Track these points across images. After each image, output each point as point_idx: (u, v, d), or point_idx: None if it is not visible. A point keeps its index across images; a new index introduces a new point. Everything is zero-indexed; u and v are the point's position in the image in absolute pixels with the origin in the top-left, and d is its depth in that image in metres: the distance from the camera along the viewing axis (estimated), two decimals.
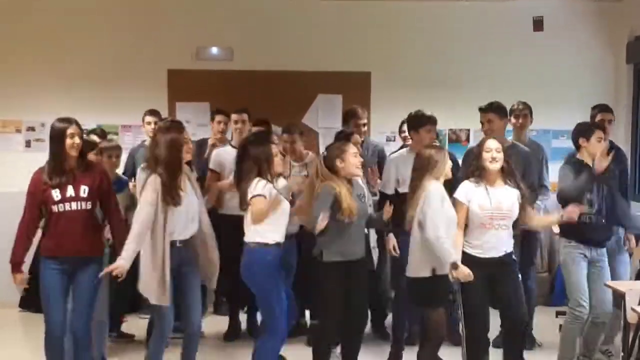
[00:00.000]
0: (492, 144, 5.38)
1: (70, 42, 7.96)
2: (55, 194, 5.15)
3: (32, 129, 8.03)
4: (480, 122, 6.28)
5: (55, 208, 5.16)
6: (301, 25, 8.11)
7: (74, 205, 5.17)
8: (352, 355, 5.56)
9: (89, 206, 5.22)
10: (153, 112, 7.07)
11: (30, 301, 7.39)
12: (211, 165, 6.66)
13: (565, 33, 8.21)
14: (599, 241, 5.76)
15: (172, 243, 5.20)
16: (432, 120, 6.10)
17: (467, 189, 5.36)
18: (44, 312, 5.29)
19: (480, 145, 5.45)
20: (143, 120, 7.09)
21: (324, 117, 8.14)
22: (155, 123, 6.91)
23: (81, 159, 5.26)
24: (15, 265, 5.21)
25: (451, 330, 6.52)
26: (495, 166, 5.33)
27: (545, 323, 6.53)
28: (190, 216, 5.29)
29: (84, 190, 5.19)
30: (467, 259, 5.27)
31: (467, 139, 8.16)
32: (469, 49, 8.18)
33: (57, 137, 5.19)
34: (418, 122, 6.12)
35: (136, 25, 8.02)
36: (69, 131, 5.16)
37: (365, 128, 6.82)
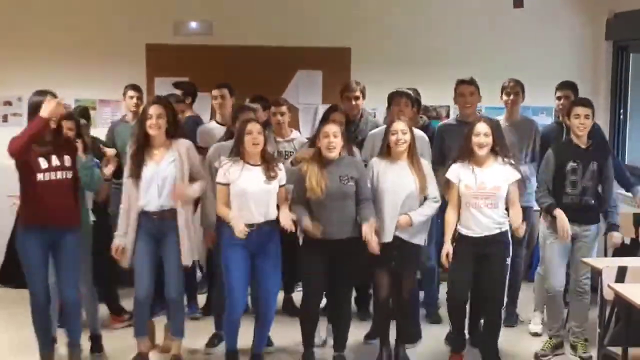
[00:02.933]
0: (482, 127, 5.46)
1: (47, 15, 7.87)
2: (43, 163, 5.19)
3: (8, 103, 7.96)
4: (460, 93, 6.31)
5: (40, 176, 5.19)
6: (281, 0, 8.04)
7: (59, 175, 5.23)
8: (340, 333, 5.65)
9: (70, 175, 5.29)
10: (134, 87, 7.01)
11: (10, 276, 7.34)
12: (199, 142, 6.58)
13: (545, 10, 8.20)
14: (584, 221, 5.83)
15: (145, 213, 5.37)
16: (399, 94, 6.16)
17: (456, 169, 5.49)
18: (27, 282, 5.35)
19: (470, 126, 5.53)
20: (124, 94, 7.02)
21: (304, 94, 8.12)
22: (138, 98, 6.89)
23: (58, 131, 5.32)
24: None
25: (428, 307, 6.62)
26: (482, 152, 5.43)
27: (524, 298, 6.57)
28: (160, 189, 5.37)
29: (68, 160, 5.27)
30: (460, 237, 5.49)
31: (447, 115, 8.16)
32: (448, 26, 8.17)
33: (33, 110, 5.21)
34: (389, 99, 6.25)
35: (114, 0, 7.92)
36: (55, 99, 5.18)
37: (359, 102, 6.67)
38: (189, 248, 5.43)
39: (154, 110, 5.37)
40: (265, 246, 5.38)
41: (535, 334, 6.35)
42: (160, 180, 5.37)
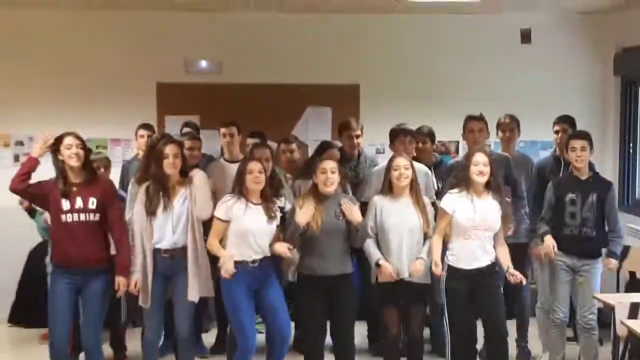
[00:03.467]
0: (480, 157, 5.47)
1: (59, 55, 7.93)
2: (65, 204, 5.24)
3: (20, 143, 8.00)
4: (470, 129, 6.31)
5: (63, 217, 5.24)
6: (290, 38, 8.11)
7: (82, 217, 5.26)
8: None
9: (97, 218, 5.31)
10: (146, 126, 7.08)
11: (20, 316, 7.36)
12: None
13: (552, 45, 8.24)
14: (585, 253, 5.81)
15: (157, 251, 5.41)
16: (404, 132, 6.23)
17: (451, 199, 5.47)
18: (50, 324, 5.37)
19: (468, 158, 5.52)
20: (136, 133, 7.08)
21: (314, 130, 8.14)
22: (149, 136, 6.95)
23: (86, 170, 5.35)
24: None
25: (437, 342, 6.59)
26: (482, 179, 5.42)
27: (535, 334, 6.52)
28: (174, 226, 5.41)
29: (92, 202, 5.28)
30: (451, 271, 5.45)
31: (457, 151, 8.17)
32: (457, 62, 8.20)
33: (54, 148, 5.32)
34: (392, 135, 6.35)
35: (125, 39, 8.00)
36: (65, 142, 5.27)
37: (359, 140, 6.77)
38: (196, 284, 5.44)
39: (170, 149, 5.43)
40: (267, 279, 5.42)
41: None
42: (175, 218, 5.42)
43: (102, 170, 6.34)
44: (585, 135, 5.93)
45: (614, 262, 5.88)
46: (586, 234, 5.80)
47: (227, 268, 5.24)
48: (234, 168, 6.55)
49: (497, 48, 8.21)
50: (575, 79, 8.30)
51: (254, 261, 5.34)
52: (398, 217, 5.51)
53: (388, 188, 5.58)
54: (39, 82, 7.90)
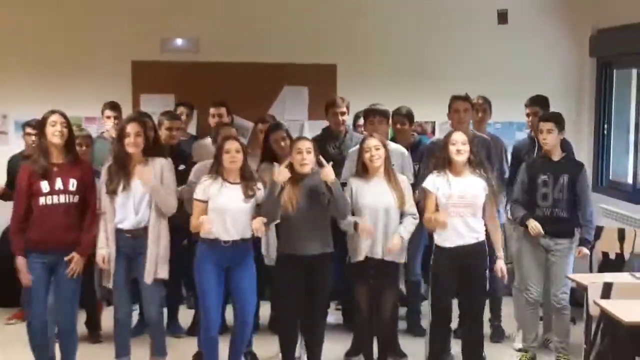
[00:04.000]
0: (458, 136, 5.48)
1: (33, 33, 7.84)
2: (44, 186, 5.18)
3: None
4: (455, 109, 6.26)
5: (42, 200, 5.19)
6: (267, 16, 8.07)
7: (62, 199, 5.21)
8: (314, 348, 5.62)
9: (76, 200, 5.27)
10: (113, 106, 7.03)
11: (2, 298, 7.28)
12: (194, 157, 6.58)
13: (529, 26, 8.26)
14: (557, 233, 5.86)
15: (119, 231, 5.40)
16: (373, 112, 6.25)
17: (433, 179, 5.48)
18: (27, 306, 5.39)
19: (447, 137, 5.54)
20: (102, 113, 7.04)
21: (291, 109, 8.12)
22: (116, 118, 6.91)
23: (68, 151, 5.29)
24: (18, 252, 5.24)
25: (413, 320, 6.63)
26: (461, 158, 5.43)
27: (510, 313, 6.57)
28: (136, 207, 5.40)
29: (72, 184, 5.24)
30: (438, 251, 5.49)
31: (433, 132, 8.19)
32: (434, 42, 8.20)
33: (39, 127, 5.29)
34: (364, 115, 6.40)
35: (100, 16, 7.91)
36: (50, 119, 5.22)
37: (345, 117, 6.77)
38: (154, 265, 5.42)
39: (131, 128, 5.38)
40: (240, 261, 5.39)
41: (520, 350, 6.35)
42: (137, 198, 5.40)
43: (84, 147, 6.29)
44: (552, 117, 5.95)
45: (585, 251, 5.92)
46: (558, 215, 5.84)
47: (208, 223, 5.23)
48: None
49: (474, 28, 8.21)
50: (551, 60, 8.33)
51: (226, 241, 5.32)
52: (372, 197, 5.52)
53: (362, 169, 5.60)
54: (12, 60, 7.83)
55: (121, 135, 5.41)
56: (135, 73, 7.99)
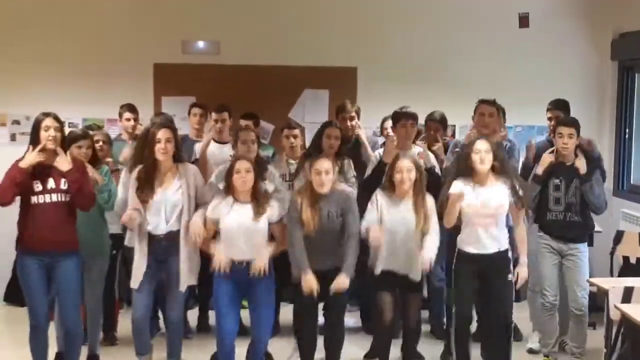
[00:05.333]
0: (482, 145, 5.44)
1: (57, 35, 7.90)
2: (36, 185, 5.18)
3: (17, 122, 7.97)
4: (481, 112, 6.16)
5: (34, 199, 5.18)
6: (288, 19, 8.09)
7: (54, 197, 5.21)
8: (332, 354, 5.64)
9: (68, 198, 5.25)
10: (131, 108, 7.09)
11: (15, 295, 7.37)
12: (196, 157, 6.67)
13: (550, 30, 8.24)
14: (571, 238, 5.85)
15: (153, 236, 5.39)
16: (406, 115, 6.17)
17: (459, 186, 5.44)
18: (27, 305, 5.35)
19: (470, 146, 5.50)
20: (120, 115, 7.11)
21: (311, 112, 8.13)
22: (135, 120, 6.97)
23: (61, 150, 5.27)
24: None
25: (435, 324, 6.63)
26: (484, 167, 5.40)
27: (524, 316, 6.58)
28: (168, 216, 5.40)
29: (64, 183, 5.22)
30: (460, 254, 5.49)
31: (453, 135, 8.17)
32: (455, 46, 8.19)
33: (33, 129, 5.26)
34: (394, 118, 6.28)
35: (123, 19, 7.97)
36: (44, 123, 5.21)
37: (354, 122, 6.78)
38: (187, 273, 5.44)
39: (162, 134, 5.37)
40: (255, 285, 5.36)
41: (531, 350, 6.36)
42: (169, 206, 5.41)
43: (101, 144, 6.33)
44: (574, 122, 5.91)
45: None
46: (571, 219, 5.84)
47: (222, 264, 5.28)
48: (224, 149, 6.66)
49: (495, 32, 8.20)
50: (573, 63, 8.31)
51: (240, 262, 5.33)
52: (396, 216, 5.51)
53: (389, 186, 5.57)
54: (36, 62, 7.88)
55: (151, 141, 5.38)
56: (157, 75, 8.03)
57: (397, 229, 5.49)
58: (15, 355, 6.09)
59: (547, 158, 5.87)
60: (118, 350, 6.35)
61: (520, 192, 5.45)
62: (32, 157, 5.14)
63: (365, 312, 6.86)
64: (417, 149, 6.13)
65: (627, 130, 8.19)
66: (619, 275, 6.69)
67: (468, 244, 5.45)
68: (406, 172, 5.46)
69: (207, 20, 8.06)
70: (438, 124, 6.72)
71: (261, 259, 5.27)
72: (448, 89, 7.95)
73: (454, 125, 8.17)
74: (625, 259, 6.87)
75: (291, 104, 8.16)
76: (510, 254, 5.52)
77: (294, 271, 5.40)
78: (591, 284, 5.70)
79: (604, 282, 5.46)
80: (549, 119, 6.68)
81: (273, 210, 5.40)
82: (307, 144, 7.17)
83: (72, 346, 5.46)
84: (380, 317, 5.64)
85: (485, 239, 5.40)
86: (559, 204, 5.83)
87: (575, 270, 5.83)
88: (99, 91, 7.86)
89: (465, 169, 5.46)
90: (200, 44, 8.14)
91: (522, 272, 5.48)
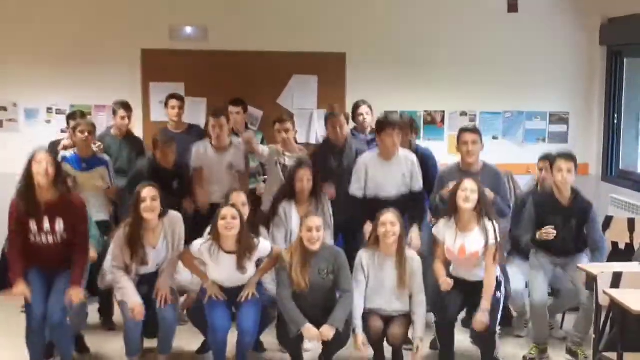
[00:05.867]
0: (469, 184, 5.51)
1: (43, 21, 7.84)
2: (32, 225, 5.17)
3: (4, 109, 7.91)
4: (464, 141, 6.04)
5: (32, 238, 5.19)
6: (276, 5, 8.05)
7: (50, 239, 5.21)
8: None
9: (65, 237, 5.26)
10: (125, 106, 7.08)
11: (5, 282, 7.30)
12: (193, 164, 6.67)
13: (539, 14, 8.20)
14: (564, 254, 5.96)
15: (143, 275, 5.53)
16: (392, 124, 6.07)
17: (441, 227, 5.63)
18: (25, 304, 5.32)
19: (457, 185, 5.56)
20: (115, 113, 7.08)
21: (299, 98, 8.10)
22: (129, 117, 7.00)
23: (55, 188, 5.21)
24: (16, 279, 5.21)
25: None
26: (468, 206, 5.48)
27: None
28: (159, 263, 5.54)
29: (59, 224, 5.21)
30: (450, 275, 5.61)
31: (442, 121, 8.16)
32: (443, 30, 8.15)
33: (27, 164, 5.18)
34: (379, 126, 6.17)
35: (110, 4, 7.91)
36: (36, 157, 5.15)
37: (345, 129, 6.61)
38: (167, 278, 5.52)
39: (147, 192, 5.36)
40: (246, 302, 5.47)
41: (518, 336, 6.39)
42: (160, 261, 5.52)
43: (87, 134, 6.32)
44: (574, 157, 5.92)
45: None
46: (566, 248, 5.95)
47: (214, 293, 5.42)
48: (219, 157, 6.64)
49: (484, 17, 8.16)
50: (562, 49, 8.28)
51: (230, 289, 5.48)
52: (377, 277, 5.56)
53: (374, 242, 5.59)
54: (22, 48, 7.82)
55: (136, 201, 5.36)
56: (144, 61, 7.98)
57: (378, 289, 5.55)
58: (4, 342, 6.07)
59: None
60: (115, 335, 6.34)
61: (497, 239, 5.48)
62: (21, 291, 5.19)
63: None
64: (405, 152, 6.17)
65: (615, 116, 8.19)
66: (608, 261, 6.69)
67: (456, 273, 5.61)
68: (390, 225, 5.49)
69: (195, 6, 8.01)
70: (407, 127, 6.51)
71: (250, 288, 5.45)
72: (437, 75, 7.94)
73: (443, 112, 8.16)
74: (614, 244, 6.87)
75: (280, 90, 8.11)
76: (499, 276, 5.59)
77: (292, 328, 5.36)
78: (581, 270, 5.71)
79: (593, 268, 5.48)
80: (540, 169, 6.51)
81: (262, 247, 5.49)
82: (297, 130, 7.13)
83: (60, 339, 5.43)
84: (368, 336, 5.56)
85: (466, 275, 5.58)
86: (556, 238, 5.82)
87: (572, 270, 5.90)
88: (86, 77, 7.81)
89: (450, 207, 5.55)
90: (188, 29, 8.09)
91: (482, 317, 5.39)
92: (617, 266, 5.46)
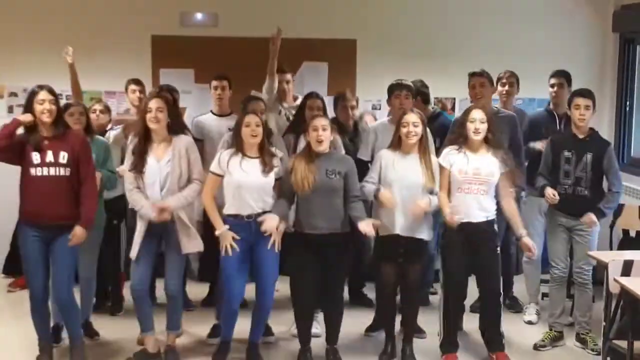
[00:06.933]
0: (477, 114, 5.46)
1: (53, 7, 7.86)
2: (35, 157, 5.16)
3: (14, 94, 7.95)
4: (472, 85, 6.26)
5: (33, 171, 5.16)
6: None
7: (52, 171, 5.18)
8: (332, 327, 5.63)
9: (67, 173, 5.22)
10: (137, 81, 7.02)
11: (14, 267, 7.37)
12: (194, 134, 6.62)
13: (551, 1, 8.18)
14: (578, 213, 5.81)
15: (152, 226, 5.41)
16: (399, 87, 6.18)
17: (448, 154, 5.50)
18: (26, 278, 5.37)
19: (465, 114, 5.51)
20: (126, 89, 7.02)
21: (310, 85, 8.05)
22: (140, 91, 6.90)
23: (57, 125, 5.25)
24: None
25: (423, 293, 6.65)
26: (478, 137, 5.44)
27: (520, 291, 6.61)
28: (162, 185, 5.39)
29: (62, 157, 5.20)
30: (448, 226, 5.47)
31: (453, 108, 8.15)
32: (455, 17, 8.13)
33: (27, 102, 5.25)
34: (389, 90, 6.28)
35: None
36: (38, 97, 5.20)
37: (355, 111, 6.74)
38: (185, 239, 5.43)
39: (154, 103, 5.36)
40: (263, 239, 5.36)
41: (530, 322, 6.42)
42: (162, 176, 5.39)
43: (98, 113, 6.36)
44: (590, 94, 5.88)
45: (591, 217, 5.74)
46: (579, 193, 5.81)
47: (226, 245, 5.31)
48: (222, 122, 6.59)
49: (496, 3, 8.14)
50: (574, 36, 8.25)
51: (249, 216, 5.35)
52: (402, 172, 5.46)
53: (397, 143, 5.54)
54: (33, 34, 7.84)
55: (143, 110, 5.40)
56: (154, 47, 7.98)
57: (404, 184, 5.44)
58: (15, 326, 6.12)
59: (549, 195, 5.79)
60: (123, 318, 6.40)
61: (509, 165, 5.48)
62: (27, 116, 5.18)
63: (354, 288, 6.88)
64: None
65: (627, 103, 8.16)
66: (619, 249, 6.69)
67: (455, 214, 5.42)
68: (412, 126, 5.42)
69: None
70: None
71: (272, 220, 5.26)
72: (448, 62, 7.91)
73: (454, 98, 8.15)
74: (625, 232, 6.87)
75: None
76: (496, 226, 5.56)
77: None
78: (592, 258, 5.69)
79: (604, 256, 5.45)
80: (552, 85, 6.63)
81: (279, 167, 5.44)
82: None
83: (69, 319, 5.45)
84: (383, 290, 5.66)
85: (474, 207, 5.43)
86: (568, 177, 5.81)
87: (583, 245, 5.83)
88: (96, 64, 7.78)
89: (459, 136, 5.51)
90: (199, 15, 8.08)
91: (529, 242, 5.48)
92: (628, 254, 5.44)
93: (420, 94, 6.62)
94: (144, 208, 5.36)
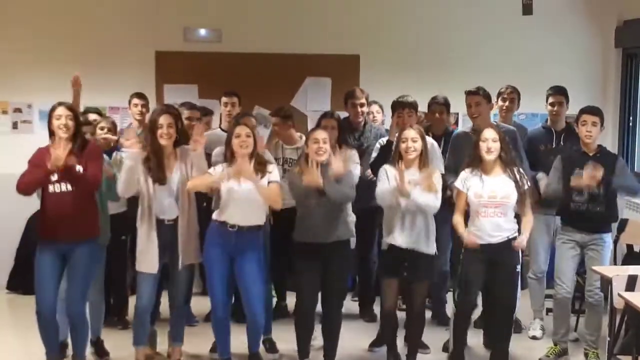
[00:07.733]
0: (489, 133, 5.46)
1: (58, 23, 7.89)
2: (52, 176, 5.17)
3: (19, 110, 7.97)
4: (468, 104, 6.25)
5: (51, 188, 5.20)
6: (290, 7, 8.07)
7: (69, 187, 5.20)
8: (329, 340, 5.62)
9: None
10: (140, 95, 7.03)
11: (18, 283, 7.39)
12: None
13: (554, 17, 8.20)
14: (592, 229, 5.80)
15: (160, 221, 5.42)
16: (401, 104, 6.21)
17: (464, 177, 5.49)
18: (35, 292, 5.34)
19: (478, 134, 5.52)
20: (130, 102, 7.03)
21: (313, 100, 8.11)
22: (143, 106, 6.91)
23: (75, 142, 5.27)
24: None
25: (437, 309, 6.63)
26: (491, 156, 5.42)
27: (523, 307, 6.58)
28: (175, 198, 5.42)
29: (79, 170, 5.21)
30: (466, 247, 5.46)
31: (456, 123, 8.16)
32: (458, 33, 8.16)
33: (48, 119, 5.29)
34: (392, 107, 6.33)
35: (124, 6, 7.96)
36: (55, 112, 5.24)
37: (365, 109, 6.76)
38: (184, 252, 5.46)
39: (164, 119, 5.40)
40: (244, 252, 5.40)
41: (534, 337, 6.39)
42: (174, 190, 5.42)
43: (106, 131, 6.31)
44: (598, 111, 5.87)
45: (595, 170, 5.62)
46: (594, 210, 5.77)
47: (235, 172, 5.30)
48: None
49: (498, 19, 8.16)
50: (576, 51, 8.27)
51: (232, 226, 5.38)
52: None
53: (397, 158, 5.54)
54: (38, 49, 7.86)
55: (153, 127, 5.41)
56: (158, 63, 8.00)
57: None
58: (18, 343, 6.10)
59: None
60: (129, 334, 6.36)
61: (526, 185, 5.46)
62: (58, 160, 5.09)
63: (363, 302, 6.86)
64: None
65: (630, 118, 8.16)
66: (623, 264, 6.67)
67: (475, 235, 5.42)
68: (411, 141, 5.45)
69: (209, 7, 8.04)
70: (442, 107, 6.68)
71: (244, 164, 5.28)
72: (451, 77, 7.90)
73: (457, 113, 8.15)
74: (629, 247, 6.85)
75: (293, 92, 8.13)
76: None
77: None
78: (596, 272, 5.67)
79: (608, 270, 5.44)
80: (552, 104, 6.64)
81: (274, 173, 5.47)
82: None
83: (77, 334, 5.45)
84: (384, 304, 5.64)
85: (491, 230, 5.39)
86: (582, 194, 5.75)
87: (597, 260, 5.78)
88: (101, 79, 7.79)
89: (473, 158, 5.49)
90: (202, 31, 8.11)
91: (522, 241, 5.44)
92: (632, 269, 5.41)
93: (446, 107, 6.68)
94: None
